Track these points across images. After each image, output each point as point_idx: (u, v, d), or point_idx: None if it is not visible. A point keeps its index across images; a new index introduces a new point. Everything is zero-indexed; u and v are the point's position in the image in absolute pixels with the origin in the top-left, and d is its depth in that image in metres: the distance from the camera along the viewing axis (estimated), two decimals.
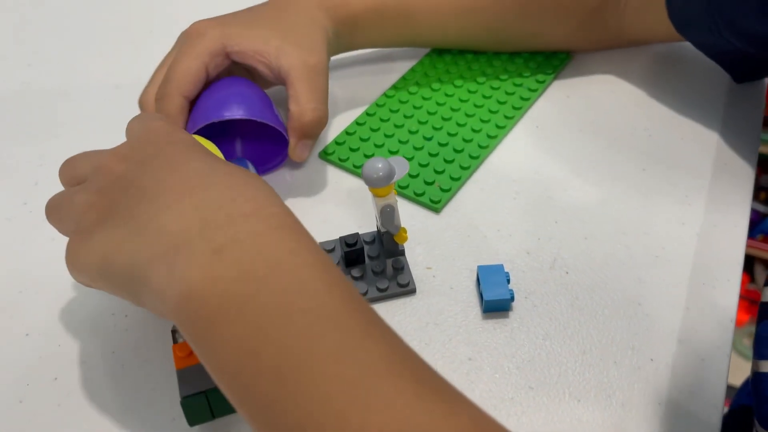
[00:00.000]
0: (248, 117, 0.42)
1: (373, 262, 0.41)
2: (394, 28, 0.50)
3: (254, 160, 0.46)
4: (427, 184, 0.46)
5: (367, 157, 0.48)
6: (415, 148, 0.48)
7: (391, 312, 0.39)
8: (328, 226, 0.43)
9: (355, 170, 0.47)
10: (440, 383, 0.26)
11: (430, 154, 0.47)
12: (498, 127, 0.49)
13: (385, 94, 0.52)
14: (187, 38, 0.44)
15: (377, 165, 0.37)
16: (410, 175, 0.46)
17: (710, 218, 0.43)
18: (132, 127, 0.35)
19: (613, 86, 0.52)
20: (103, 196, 0.31)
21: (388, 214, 0.38)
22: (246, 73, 0.47)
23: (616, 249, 0.41)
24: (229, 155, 0.47)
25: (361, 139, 0.49)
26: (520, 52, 0.54)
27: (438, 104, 0.51)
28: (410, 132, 0.49)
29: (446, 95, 0.52)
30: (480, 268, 0.40)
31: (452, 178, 0.46)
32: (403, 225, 0.40)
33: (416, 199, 0.45)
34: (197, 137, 0.38)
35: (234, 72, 0.47)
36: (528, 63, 0.54)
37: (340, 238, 0.41)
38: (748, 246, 0.43)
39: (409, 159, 0.47)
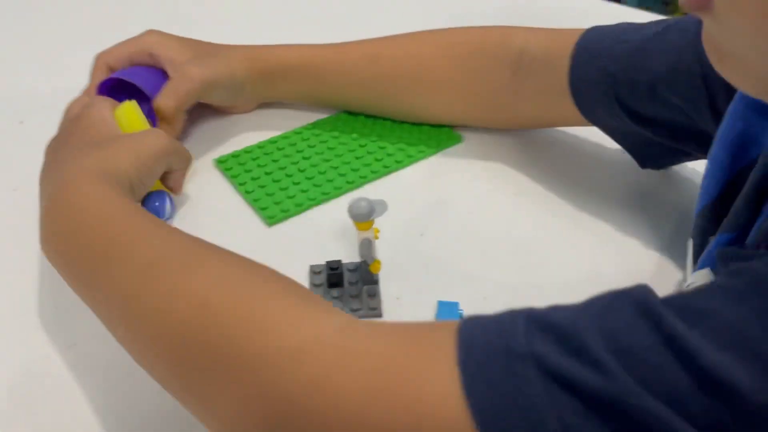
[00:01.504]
0: (127, 78, 0.57)
1: (352, 286, 0.48)
2: (303, 87, 0.62)
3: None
4: (276, 204, 0.55)
5: (254, 179, 0.58)
6: (287, 175, 0.58)
7: None
8: (323, 251, 0.51)
9: (240, 187, 0.57)
10: None
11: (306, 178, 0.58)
12: (360, 177, 0.58)
13: (293, 130, 0.63)
14: (139, 34, 0.60)
15: (361, 204, 0.45)
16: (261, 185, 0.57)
17: None
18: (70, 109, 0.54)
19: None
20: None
21: (366, 246, 0.46)
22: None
23: None
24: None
25: (252, 159, 0.60)
26: (419, 123, 0.62)
27: (327, 148, 0.61)
28: (292, 163, 0.59)
29: (339, 143, 0.61)
30: (439, 303, 0.47)
31: (301, 203, 0.56)
32: (379, 258, 0.47)
33: (253, 203, 0.56)
34: (126, 105, 0.52)
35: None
36: (421, 134, 0.62)
37: (327, 262, 0.48)
38: None
39: (284, 173, 0.58)
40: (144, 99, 0.57)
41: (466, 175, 0.59)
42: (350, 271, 0.49)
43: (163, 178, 0.52)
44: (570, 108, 0.54)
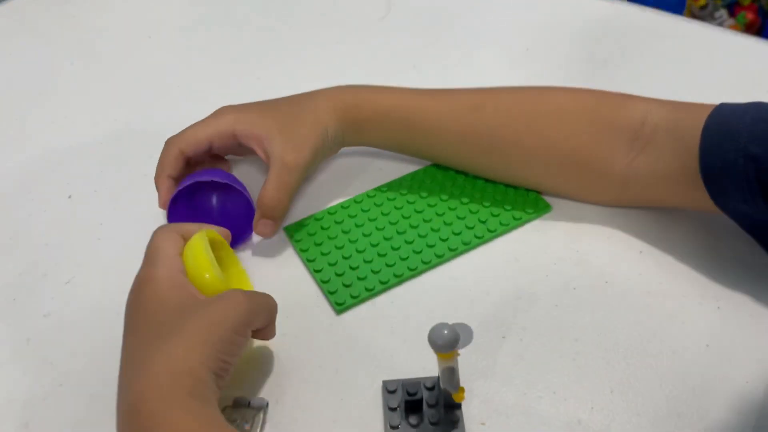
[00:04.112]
0: (229, 182, 0.53)
1: (431, 410, 0.44)
2: (396, 137, 0.57)
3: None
4: (346, 287, 0.51)
5: (317, 246, 0.54)
6: (357, 251, 0.54)
7: None
8: (395, 351, 0.47)
9: (309, 264, 0.53)
10: None
11: (379, 255, 0.53)
12: (436, 256, 0.53)
13: (366, 193, 0.58)
14: (212, 114, 0.55)
15: (444, 332, 0.40)
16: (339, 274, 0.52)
17: None
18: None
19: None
20: None
21: (448, 375, 0.41)
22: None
23: None
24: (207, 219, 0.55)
25: (322, 228, 0.56)
26: (504, 187, 0.57)
27: (402, 216, 0.56)
28: (364, 235, 0.55)
29: (415, 211, 0.57)
30: None
31: (372, 287, 0.51)
32: (462, 384, 0.42)
33: (326, 289, 0.51)
34: (195, 243, 0.45)
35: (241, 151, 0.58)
36: (505, 201, 0.56)
37: (403, 383, 0.44)
38: None
39: (359, 252, 0.54)
40: (221, 194, 0.55)
41: (553, 255, 0.53)
42: (428, 389, 0.45)
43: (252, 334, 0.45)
44: (695, 190, 0.48)
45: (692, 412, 0.43)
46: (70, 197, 0.61)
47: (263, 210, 0.51)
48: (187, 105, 0.62)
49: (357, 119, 0.55)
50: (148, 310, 0.41)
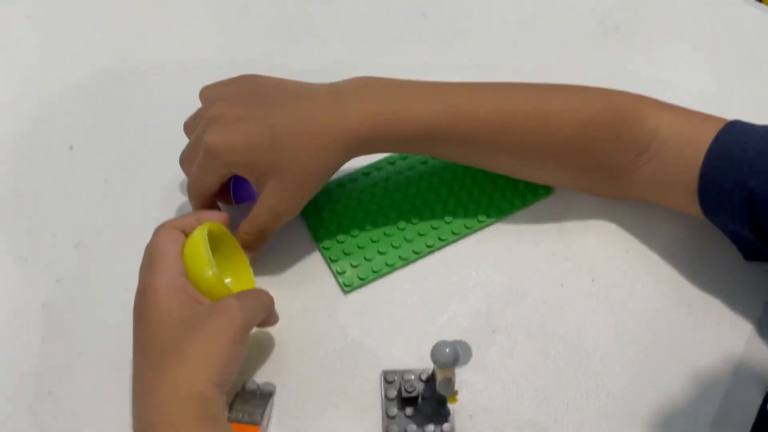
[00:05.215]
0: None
1: (425, 402, 0.49)
2: (415, 151, 0.53)
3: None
4: (354, 267, 0.54)
5: (325, 222, 0.56)
6: (364, 230, 0.56)
7: None
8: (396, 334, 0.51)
9: (312, 231, 0.56)
10: None
11: (385, 234, 0.56)
12: (440, 239, 0.56)
13: (374, 164, 0.60)
14: (205, 157, 0.49)
15: (445, 351, 0.43)
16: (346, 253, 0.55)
17: None
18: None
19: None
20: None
21: (445, 384, 0.45)
22: None
23: None
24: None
25: (330, 202, 0.57)
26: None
27: (407, 195, 0.58)
28: (370, 213, 0.57)
29: (422, 188, 0.59)
30: None
31: (378, 268, 0.54)
32: (456, 387, 0.47)
33: (335, 269, 0.54)
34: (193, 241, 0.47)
35: None
36: (506, 185, 0.58)
37: (404, 377, 0.48)
38: None
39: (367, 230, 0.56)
40: None
41: (546, 249, 0.56)
42: (422, 381, 0.49)
43: None
44: (690, 203, 0.51)
45: (654, 418, 0.49)
46: (71, 148, 0.61)
47: (243, 242, 0.51)
48: (186, 45, 0.61)
49: (372, 147, 0.51)
50: (151, 327, 0.43)
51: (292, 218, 0.52)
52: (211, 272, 0.46)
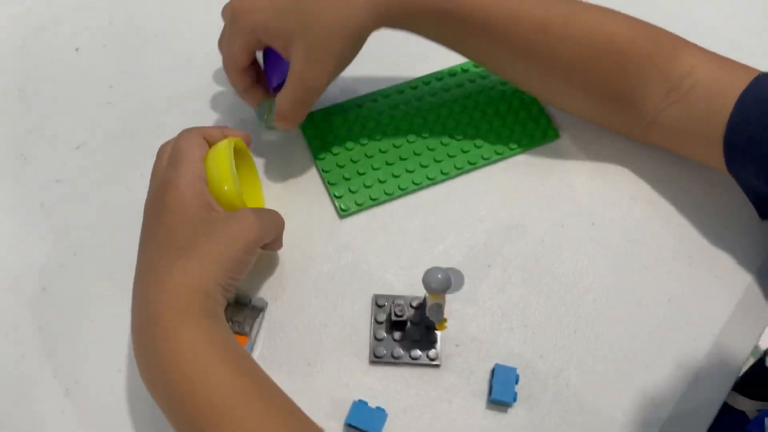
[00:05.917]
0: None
1: (413, 327, 0.49)
2: (445, 37, 0.51)
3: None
4: (352, 193, 0.54)
5: (327, 144, 0.56)
6: (366, 156, 0.56)
7: (414, 377, 0.48)
8: (389, 261, 0.51)
9: (314, 152, 0.56)
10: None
11: (387, 163, 0.55)
12: (442, 173, 0.55)
13: (381, 92, 0.59)
14: (230, 22, 0.50)
15: (438, 276, 0.43)
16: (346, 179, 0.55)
17: None
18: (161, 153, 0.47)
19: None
20: None
21: (435, 310, 0.45)
22: None
23: (622, 376, 0.48)
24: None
25: (333, 125, 0.57)
26: (525, 109, 0.58)
27: (412, 126, 0.57)
28: (374, 139, 0.56)
29: (428, 119, 0.58)
30: (497, 366, 0.47)
31: (376, 196, 0.54)
32: (445, 316, 0.47)
33: (332, 192, 0.54)
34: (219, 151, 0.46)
35: None
36: (516, 124, 0.58)
37: (394, 301, 0.48)
38: None
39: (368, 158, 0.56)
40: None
41: (551, 188, 0.55)
42: (413, 307, 0.49)
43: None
44: (712, 152, 0.50)
45: (639, 359, 0.49)
46: (77, 50, 0.60)
47: (279, 116, 0.51)
48: None
49: (403, 16, 0.49)
50: (168, 219, 0.43)
51: (322, 90, 0.50)
52: (233, 185, 0.45)
